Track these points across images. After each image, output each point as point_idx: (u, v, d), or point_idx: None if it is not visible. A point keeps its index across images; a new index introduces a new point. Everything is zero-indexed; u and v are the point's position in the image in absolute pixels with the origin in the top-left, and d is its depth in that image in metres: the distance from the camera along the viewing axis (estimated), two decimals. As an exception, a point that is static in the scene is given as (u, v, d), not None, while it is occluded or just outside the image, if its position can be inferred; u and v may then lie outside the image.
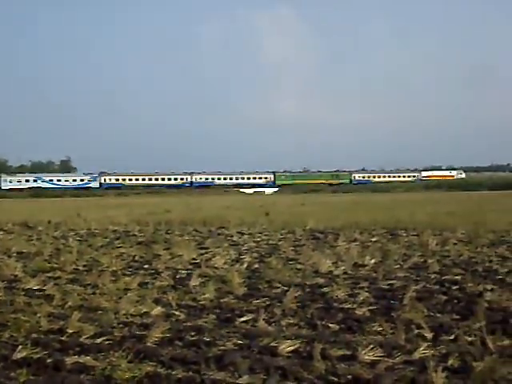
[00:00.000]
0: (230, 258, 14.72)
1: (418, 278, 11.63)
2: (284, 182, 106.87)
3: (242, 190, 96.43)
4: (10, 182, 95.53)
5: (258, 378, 6.25)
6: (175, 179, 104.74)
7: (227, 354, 6.87)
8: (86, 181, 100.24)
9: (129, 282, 11.51)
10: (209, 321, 8.59)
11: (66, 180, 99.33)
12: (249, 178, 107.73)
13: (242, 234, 21.36)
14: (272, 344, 7.26)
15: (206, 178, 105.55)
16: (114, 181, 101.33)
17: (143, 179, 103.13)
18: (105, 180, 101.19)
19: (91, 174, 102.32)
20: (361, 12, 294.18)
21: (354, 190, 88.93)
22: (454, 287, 10.67)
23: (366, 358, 6.68)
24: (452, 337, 7.49)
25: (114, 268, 13.35)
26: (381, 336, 7.68)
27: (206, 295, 10.13)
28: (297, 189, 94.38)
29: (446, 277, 11.72)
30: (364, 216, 27.23)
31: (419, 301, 9.40)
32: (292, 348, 7.10)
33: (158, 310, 9.16)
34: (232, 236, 20.60)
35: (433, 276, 11.88)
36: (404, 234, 20.27)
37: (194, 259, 14.72)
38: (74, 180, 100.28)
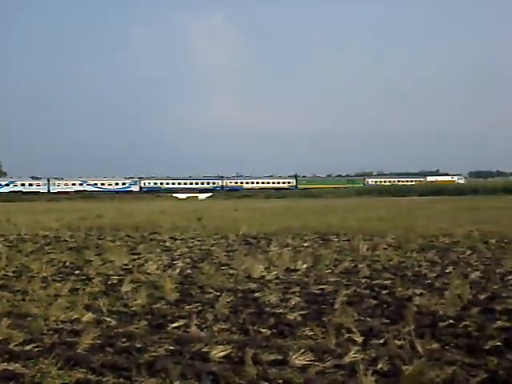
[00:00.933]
0: (162, 264, 14.61)
1: (349, 283, 11.79)
2: (305, 186, 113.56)
3: (175, 194, 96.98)
4: (58, 185, 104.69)
5: (189, 383, 6.25)
6: (208, 183, 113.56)
7: (159, 360, 6.84)
8: (127, 184, 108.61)
9: (59, 288, 11.29)
10: (140, 327, 8.51)
11: (109, 184, 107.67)
12: (274, 183, 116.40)
13: (175, 239, 21.21)
14: (204, 349, 7.25)
15: (236, 182, 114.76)
16: (152, 184, 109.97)
17: (179, 183, 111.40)
18: (144, 184, 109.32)
19: (132, 178, 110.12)
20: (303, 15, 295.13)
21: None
22: (384, 292, 10.84)
23: (297, 362, 6.75)
24: (382, 341, 7.61)
25: (44, 274, 13.09)
26: (312, 340, 7.74)
27: (138, 301, 10.04)
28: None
29: (376, 281, 11.92)
30: (296, 221, 27.50)
31: (350, 305, 9.54)
32: (224, 353, 7.11)
33: (88, 316, 9.03)
34: (164, 241, 20.44)
35: (363, 281, 12.07)
36: (335, 239, 20.48)
37: (125, 265, 14.57)
38: (117, 184, 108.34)
